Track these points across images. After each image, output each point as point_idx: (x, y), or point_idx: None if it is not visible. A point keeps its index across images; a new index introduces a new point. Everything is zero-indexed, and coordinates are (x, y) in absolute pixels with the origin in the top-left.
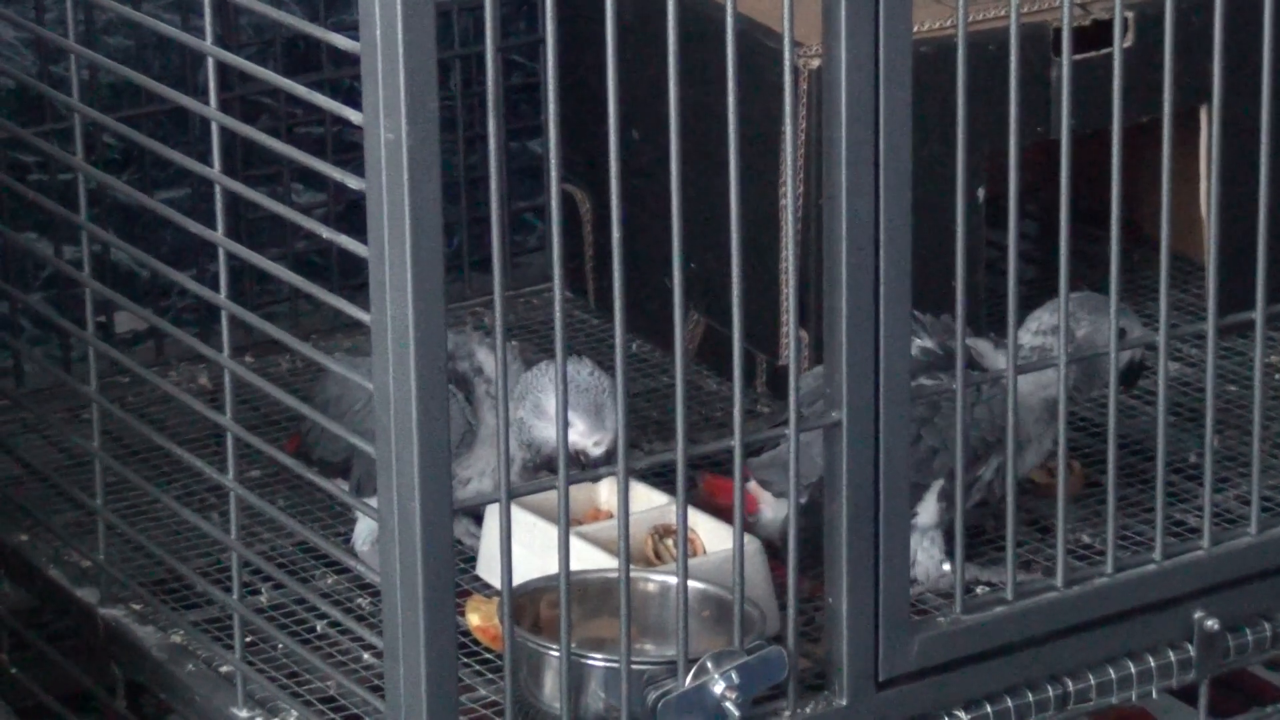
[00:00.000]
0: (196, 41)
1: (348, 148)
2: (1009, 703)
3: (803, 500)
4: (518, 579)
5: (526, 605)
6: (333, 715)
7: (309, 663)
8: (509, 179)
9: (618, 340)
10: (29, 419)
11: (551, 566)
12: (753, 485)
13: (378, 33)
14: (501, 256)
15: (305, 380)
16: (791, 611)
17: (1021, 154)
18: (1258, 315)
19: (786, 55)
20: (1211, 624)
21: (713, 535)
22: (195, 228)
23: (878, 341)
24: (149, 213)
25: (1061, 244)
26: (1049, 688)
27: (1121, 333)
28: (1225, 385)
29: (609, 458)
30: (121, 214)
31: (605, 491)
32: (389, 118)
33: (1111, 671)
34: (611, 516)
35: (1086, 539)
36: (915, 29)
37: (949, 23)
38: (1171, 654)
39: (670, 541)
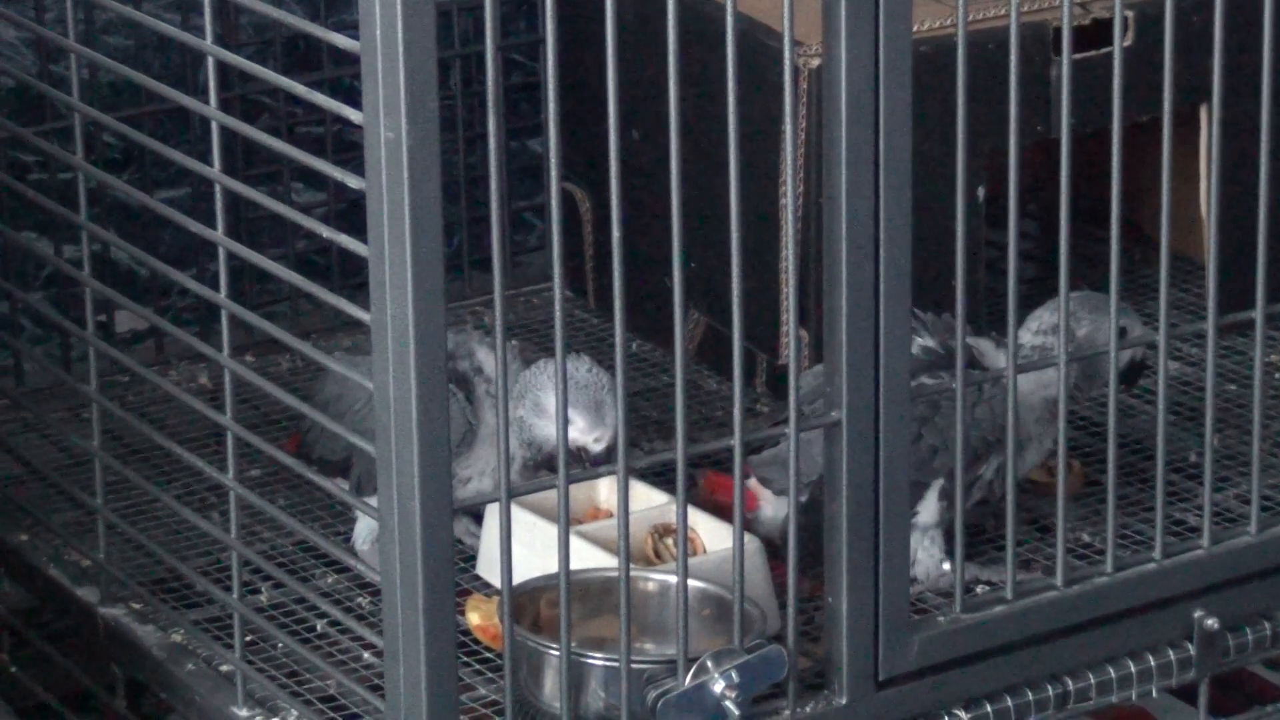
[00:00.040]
0: (197, 41)
1: (348, 147)
2: (1009, 702)
3: (803, 498)
4: (517, 578)
5: (526, 604)
6: (333, 714)
7: (309, 662)
8: (509, 178)
9: (618, 339)
10: (29, 418)
11: (551, 566)
12: (753, 482)
13: (378, 32)
14: (501, 256)
15: (305, 379)
16: (791, 610)
17: (1021, 153)
18: (1258, 314)
19: (787, 54)
20: (1211, 623)
21: (713, 534)
22: (195, 227)
23: (878, 341)
24: (149, 212)
25: (1062, 243)
26: (1049, 687)
27: (1122, 332)
28: (1225, 384)
29: (609, 454)
30: (122, 213)
31: (605, 490)
32: (389, 117)
33: (1111, 671)
34: (611, 515)
35: (1086, 538)
36: (915, 28)
37: (949, 22)
38: (1171, 653)
39: (670, 540)
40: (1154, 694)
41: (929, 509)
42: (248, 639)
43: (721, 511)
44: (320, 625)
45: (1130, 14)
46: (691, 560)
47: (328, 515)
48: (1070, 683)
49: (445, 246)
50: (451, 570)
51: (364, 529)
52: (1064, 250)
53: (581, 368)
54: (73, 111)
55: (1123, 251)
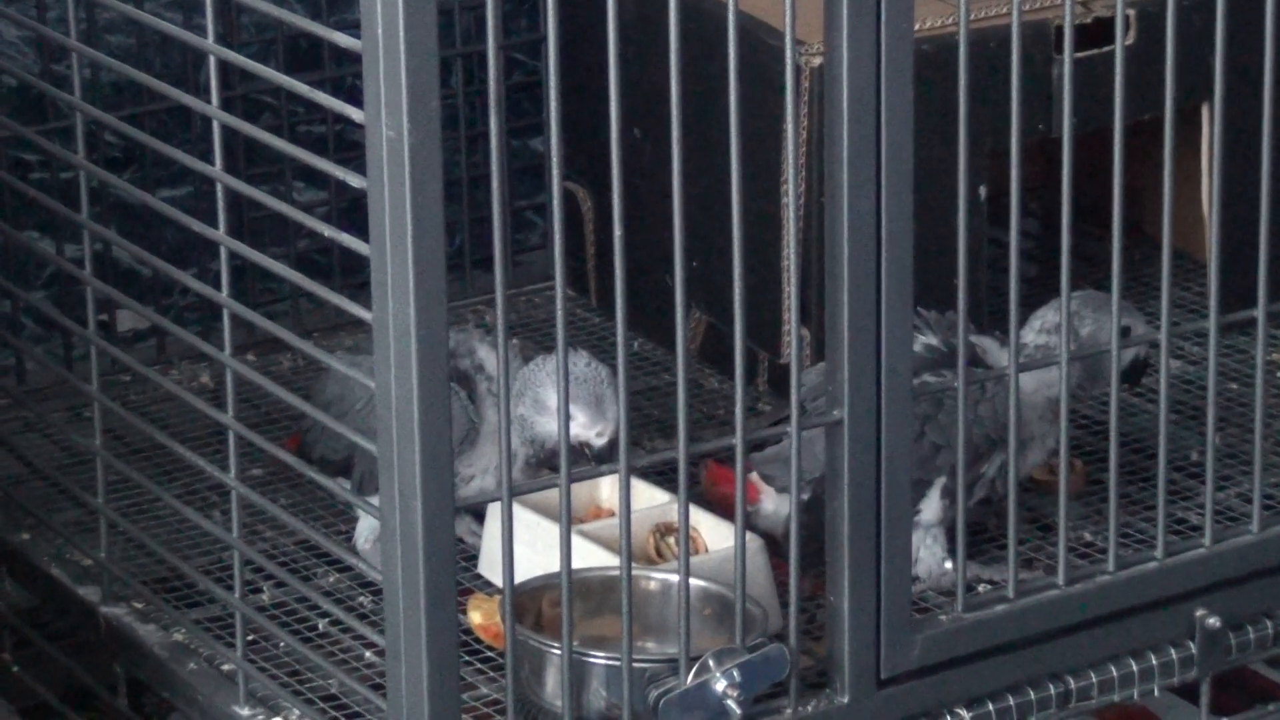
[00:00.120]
0: (198, 40)
1: (349, 146)
2: (1011, 701)
3: (805, 496)
4: (519, 577)
5: (528, 603)
6: (335, 714)
7: (311, 661)
8: (510, 177)
9: (619, 339)
10: (30, 417)
11: (553, 565)
12: (754, 476)
13: (379, 31)
14: (503, 255)
15: (307, 379)
16: (793, 609)
17: (1023, 152)
18: (1259, 313)
19: (788, 53)
20: (1213, 622)
21: (714, 533)
22: (197, 226)
23: (879, 339)
24: (151, 211)
25: (1063, 242)
26: (1051, 685)
27: (1126, 330)
28: (1227, 383)
29: (611, 448)
30: (123, 212)
31: (607, 489)
32: (391, 116)
33: (1113, 669)
34: (613, 515)
35: (1088, 537)
36: (917, 27)
37: (950, 20)
38: (1173, 652)
39: (672, 539)
40: (1156, 693)
41: (931, 507)
42: (249, 638)
43: (723, 502)
44: (322, 624)
45: (1132, 12)
46: (693, 559)
47: (329, 514)
48: (1072, 681)
49: (447, 245)
50: (453, 569)
51: (366, 528)
52: (1065, 249)
53: (580, 362)
54: (74, 110)
55: (1124, 250)
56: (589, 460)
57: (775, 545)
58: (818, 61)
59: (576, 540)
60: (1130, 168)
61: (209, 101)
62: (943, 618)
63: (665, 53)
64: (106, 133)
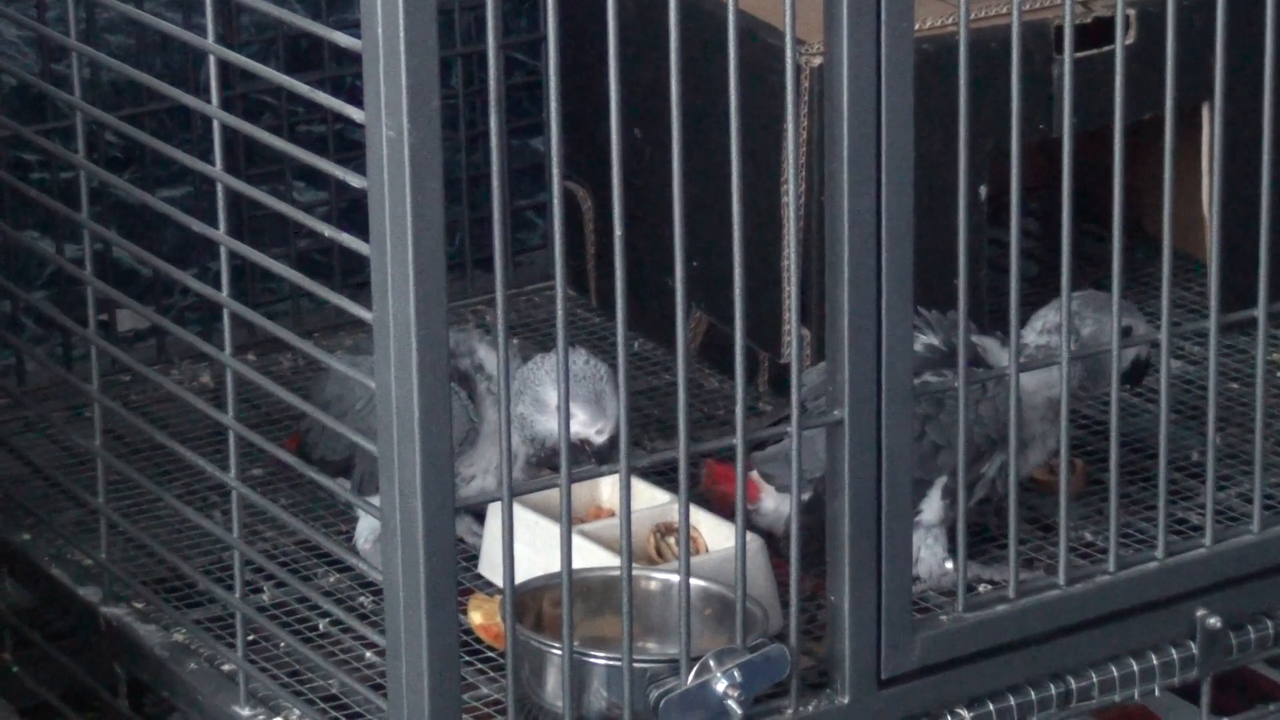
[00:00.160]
0: (198, 40)
1: (350, 146)
2: (1011, 701)
3: (806, 496)
4: (520, 577)
5: (529, 603)
6: (335, 714)
7: (311, 661)
8: (511, 177)
9: (619, 338)
10: (31, 417)
11: (554, 565)
12: (754, 474)
13: (379, 31)
14: (503, 255)
15: (307, 379)
16: (794, 609)
17: (1023, 152)
18: (1260, 312)
19: (788, 53)
20: (1214, 622)
21: (715, 533)
22: (197, 226)
23: (880, 339)
24: (151, 211)
25: (1064, 242)
26: (1051, 686)
27: (1127, 330)
28: (1227, 383)
29: (612, 445)
30: (123, 212)
31: (607, 489)
32: (391, 116)
33: (1114, 669)
34: (613, 515)
35: (1089, 537)
36: (917, 26)
37: (951, 20)
38: (1174, 652)
39: (672, 539)
40: (1156, 693)
41: (932, 507)
42: (250, 638)
43: (723, 500)
44: (322, 624)
45: (1132, 12)
46: (694, 559)
47: (330, 514)
48: (1073, 681)
49: (447, 245)
50: (453, 569)
51: (366, 528)
52: (1066, 249)
53: (578, 360)
54: (74, 110)
55: (1125, 250)
56: (589, 458)
57: (776, 544)
58: (818, 61)
59: (577, 540)
60: (1130, 167)
61: (209, 101)
62: (943, 618)
63: (665, 52)
64: (107, 132)
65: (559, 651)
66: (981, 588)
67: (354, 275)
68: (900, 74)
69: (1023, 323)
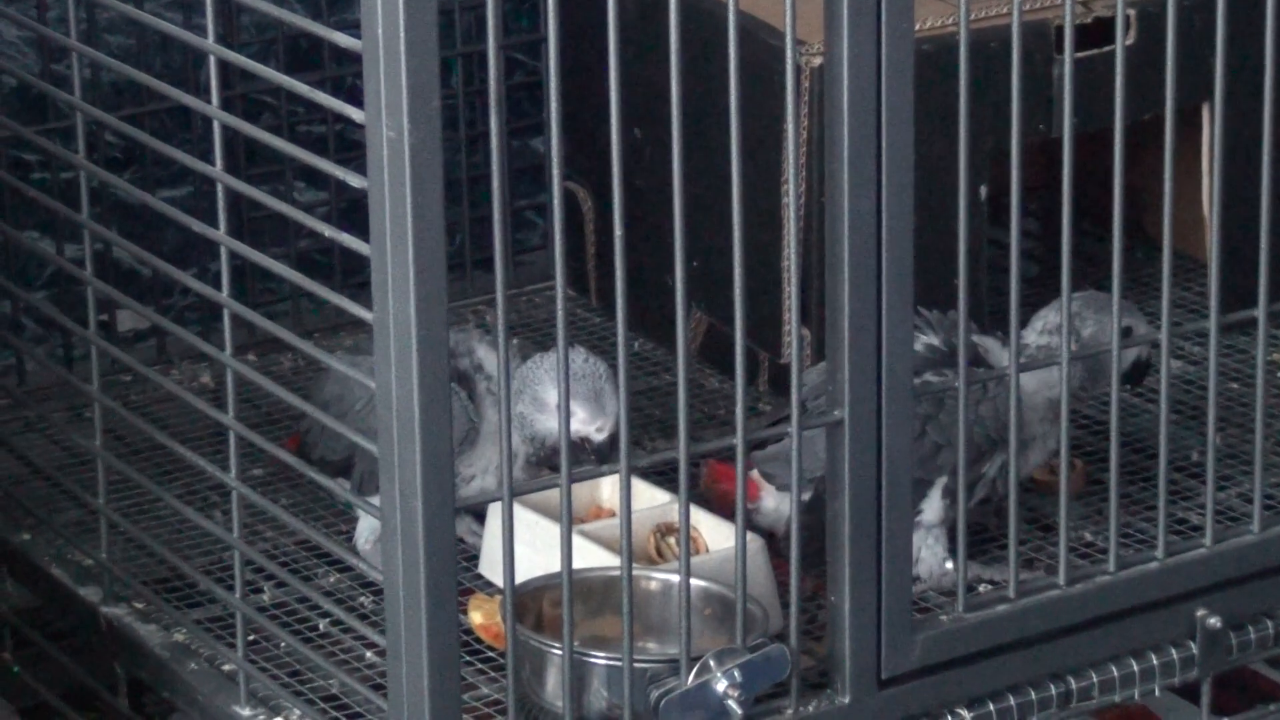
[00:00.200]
0: (198, 40)
1: (350, 146)
2: (1011, 701)
3: (806, 495)
4: (520, 577)
5: (529, 603)
6: (335, 714)
7: (312, 661)
8: (511, 177)
9: (620, 339)
10: (31, 417)
11: (554, 565)
12: (754, 473)
13: (380, 31)
14: (503, 255)
15: (307, 379)
16: (794, 609)
17: (1024, 152)
18: (1260, 312)
19: (789, 53)
20: (1214, 622)
21: (715, 533)
22: (197, 226)
23: (880, 339)
24: (151, 211)
25: (1064, 242)
26: (1051, 686)
27: (1128, 330)
28: (1228, 383)
29: (612, 442)
30: (123, 212)
31: (607, 490)
32: (391, 116)
33: (1114, 669)
34: (614, 515)
35: (1089, 537)
36: (917, 27)
37: (951, 20)
38: (1174, 652)
39: (672, 539)
40: (1157, 693)
41: (932, 507)
42: (250, 638)
43: (723, 499)
44: (323, 624)
45: (1132, 12)
46: (694, 559)
47: (330, 514)
48: (1073, 681)
49: (447, 245)
50: (454, 569)
51: (366, 528)
52: (1066, 249)
53: (577, 358)
54: (75, 110)
55: (1125, 250)
56: (589, 456)
57: (776, 543)
58: (818, 61)
59: (577, 540)
60: (1131, 168)
61: (209, 101)
62: (943, 618)
63: (666, 53)
64: (107, 133)
65: (559, 651)
66: (982, 588)
67: (354, 275)
68: (900, 74)
69: (1023, 323)
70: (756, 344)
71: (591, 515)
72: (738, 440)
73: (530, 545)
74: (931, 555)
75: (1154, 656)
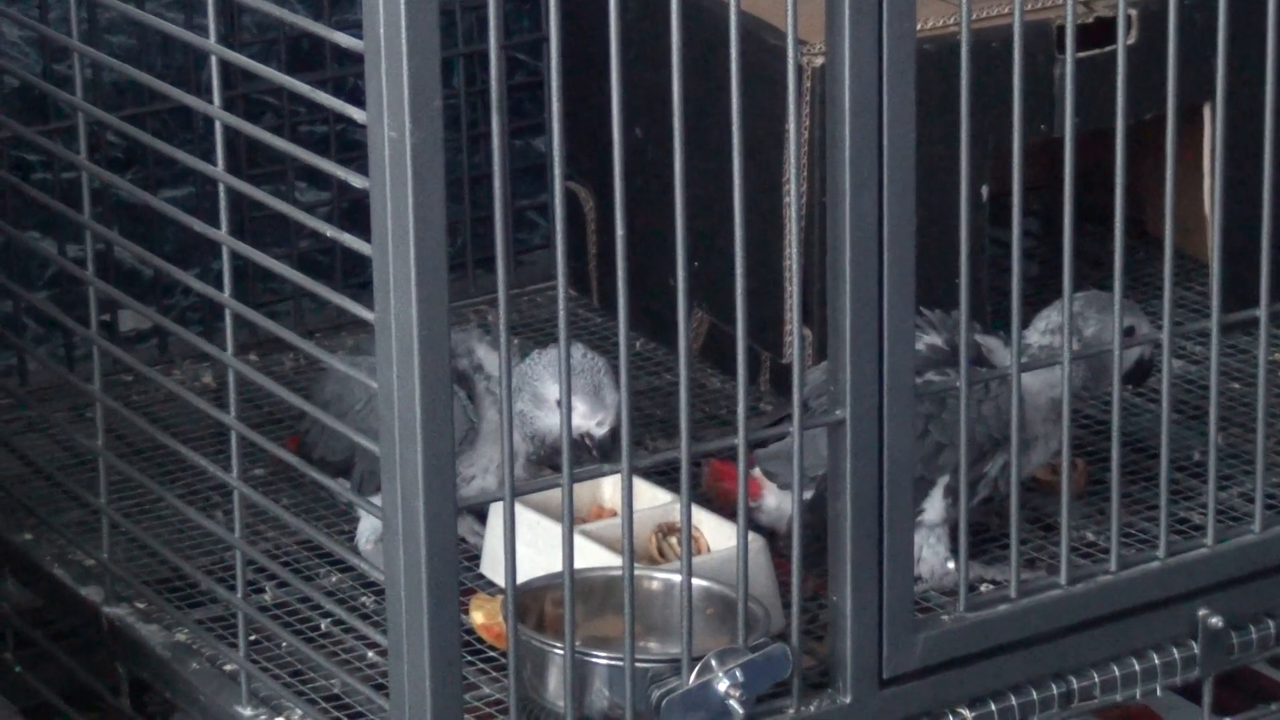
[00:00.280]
0: (200, 40)
1: (351, 146)
2: (1013, 700)
3: (809, 494)
4: (521, 577)
5: (530, 603)
6: (337, 713)
7: (313, 661)
8: (512, 177)
9: (621, 339)
10: (33, 417)
11: (555, 564)
12: (757, 471)
13: (381, 31)
14: (505, 255)
15: (309, 379)
16: (795, 609)
17: (1025, 151)
18: (1261, 312)
19: (790, 53)
20: (1215, 621)
21: (717, 533)
22: (199, 226)
23: (881, 339)
24: (153, 211)
25: (1065, 242)
26: (1053, 685)
27: (1130, 330)
28: (1229, 382)
29: (613, 437)
30: (125, 212)
31: (609, 489)
32: (392, 116)
33: (1115, 669)
34: (615, 514)
35: (1090, 537)
36: (918, 26)
37: (952, 20)
38: (1175, 651)
39: (674, 539)
40: (1158, 692)
41: (934, 506)
42: (252, 638)
43: (724, 498)
44: (324, 624)
45: (1133, 12)
46: (695, 559)
47: (331, 514)
48: (1074, 681)
49: (449, 245)
50: (455, 569)
51: (367, 528)
52: (1068, 249)
53: (576, 353)
54: (76, 111)
55: (1126, 250)
56: (590, 451)
57: (777, 542)
58: (820, 61)
59: (579, 540)
60: (1132, 167)
61: (211, 102)
62: (945, 617)
63: (667, 52)
64: (108, 133)
65: (561, 651)
66: (983, 587)
67: (356, 275)
68: (902, 74)
69: (1025, 323)
70: (758, 344)
71: (593, 515)
72: (739, 440)
73: (532, 545)
74: (933, 555)
75: (1155, 656)
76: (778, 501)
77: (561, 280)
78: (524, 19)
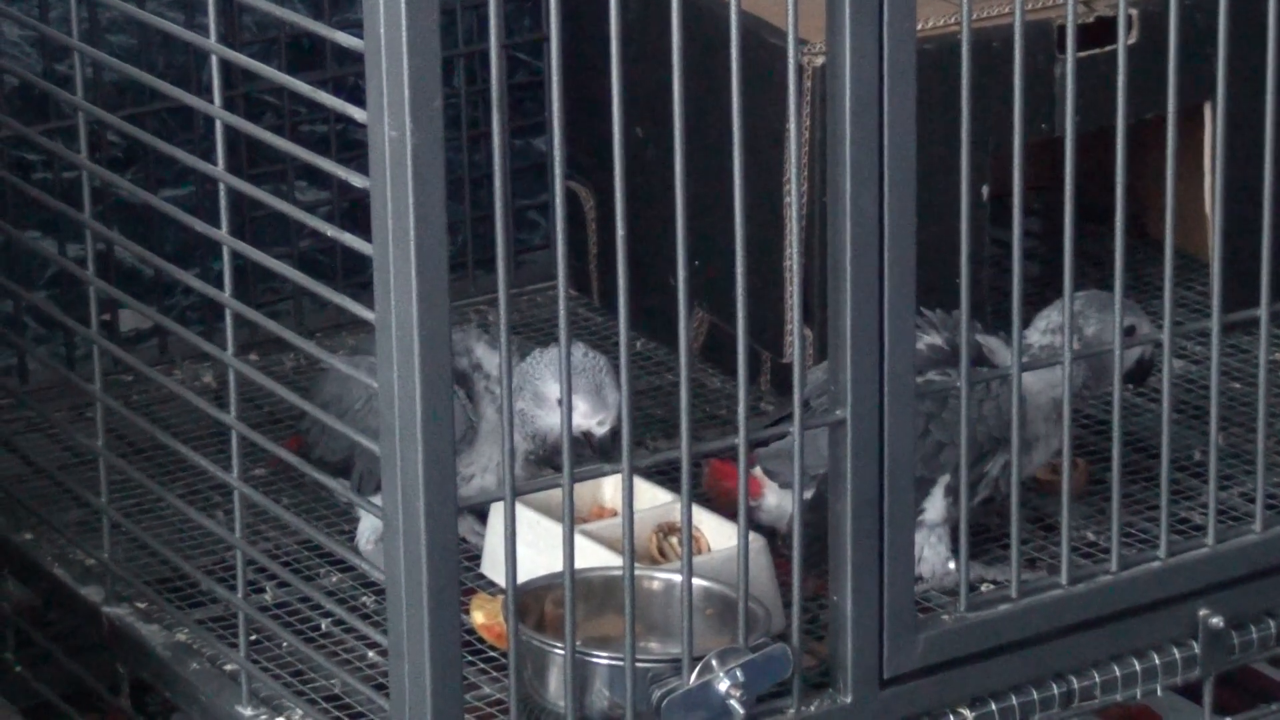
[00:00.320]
0: (200, 39)
1: (352, 146)
2: (1014, 700)
3: (809, 493)
4: (522, 577)
5: (531, 603)
6: (337, 713)
7: (314, 661)
8: (513, 177)
9: (622, 338)
10: (33, 417)
11: (556, 564)
12: (757, 470)
13: (382, 30)
14: (506, 254)
15: (309, 378)
16: (796, 609)
17: (1026, 151)
18: (1262, 312)
19: (791, 53)
20: (1216, 621)
21: (717, 533)
22: (199, 226)
23: (882, 338)
24: (153, 211)
25: (1066, 241)
26: (1054, 685)
27: (1131, 329)
28: (1230, 382)
29: (614, 436)
30: (125, 212)
31: (609, 489)
32: (393, 115)
33: (1116, 669)
34: (615, 514)
35: (1091, 536)
36: (919, 26)
37: (953, 20)
38: (1176, 651)
39: (675, 539)
40: (1159, 692)
41: (935, 506)
42: (252, 638)
43: (725, 497)
44: (325, 624)
45: (1134, 12)
46: (696, 559)
47: (332, 514)
48: (1075, 681)
49: (449, 245)
50: (456, 569)
51: (368, 528)
52: (1069, 248)
53: (577, 352)
54: (77, 110)
55: (1127, 249)
56: (591, 450)
57: (778, 541)
58: (820, 61)
59: (579, 540)
60: (1133, 167)
61: (211, 101)
62: (946, 617)
63: (668, 52)
64: (109, 132)
65: (561, 651)
66: (984, 587)
67: (356, 275)
68: (902, 74)
69: (1026, 322)
70: (759, 343)
71: (593, 515)
72: (740, 439)
73: (532, 545)
74: (935, 555)
75: (1156, 656)
76: (778, 501)
77: (562, 280)
78: (524, 18)
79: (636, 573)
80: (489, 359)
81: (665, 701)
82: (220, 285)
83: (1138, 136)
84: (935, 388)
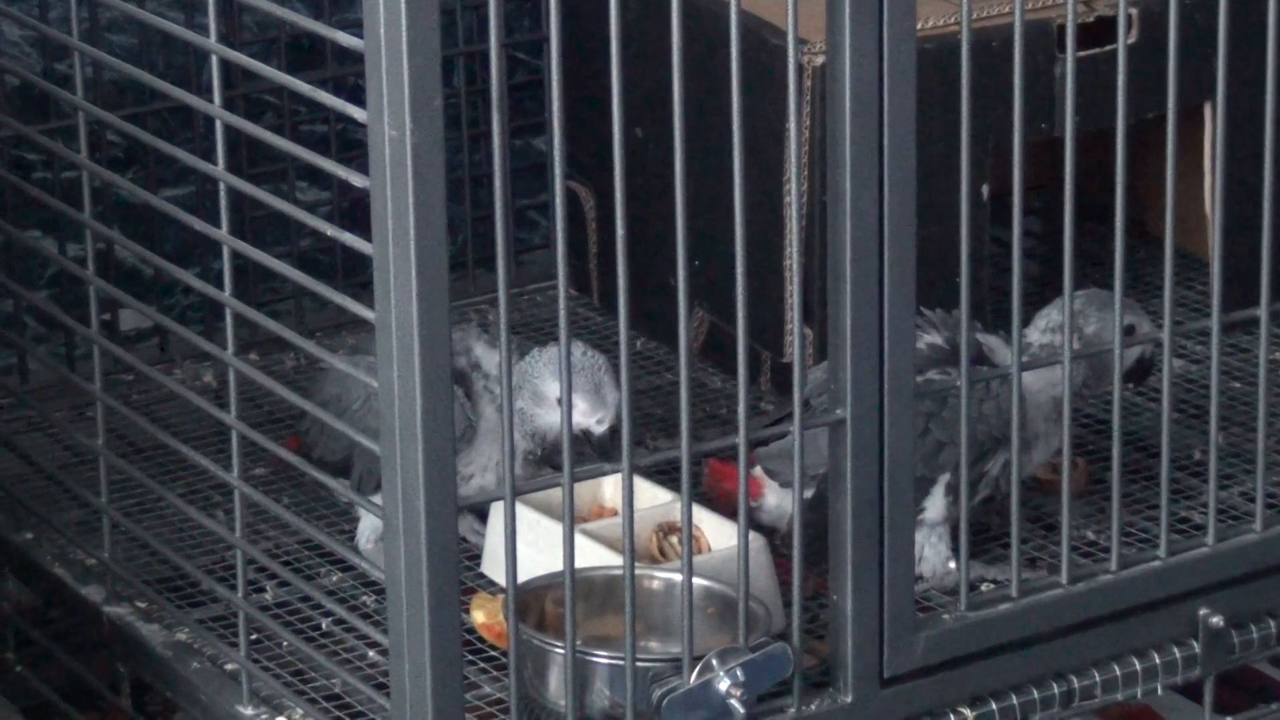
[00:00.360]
0: (200, 39)
1: (352, 145)
2: (1014, 700)
3: (810, 492)
4: (522, 576)
5: (531, 602)
6: (338, 713)
7: (314, 660)
8: (513, 176)
9: (622, 338)
10: (33, 417)
11: (556, 564)
12: (758, 470)
13: (382, 30)
14: (506, 254)
15: (309, 378)
16: (796, 608)
17: (1026, 151)
18: (1262, 312)
19: (791, 52)
20: (1216, 621)
21: (717, 532)
22: (199, 225)
23: (882, 338)
24: (153, 210)
25: (1066, 241)
26: (1054, 685)
27: (1131, 329)
28: (1230, 382)
29: (613, 435)
30: (126, 211)
31: (609, 489)
32: (393, 115)
33: (1116, 668)
34: (616, 514)
35: (1091, 536)
36: (919, 26)
37: (953, 19)
38: (1176, 651)
39: (675, 539)
40: (1159, 692)
41: (935, 505)
42: (253, 637)
43: (725, 497)
44: (325, 624)
45: (1134, 11)
46: (696, 558)
47: (332, 514)
48: (1075, 681)
49: (449, 244)
50: (456, 568)
51: (368, 527)
52: (1069, 248)
53: (576, 351)
54: (77, 110)
55: (1127, 249)
56: (590, 449)
57: (778, 540)
58: (820, 60)
59: (579, 539)
60: (1133, 166)
61: (211, 101)
62: (946, 616)
63: (668, 52)
64: (109, 132)
65: (562, 651)
66: (984, 586)
67: (356, 275)
68: (902, 73)
69: (1026, 321)
70: (759, 343)
71: (593, 514)
72: (740, 439)
73: (532, 544)
74: (935, 554)
75: (1156, 655)
76: (778, 500)
77: (562, 279)
78: (524, 18)
79: (637, 572)
80: (488, 358)
81: (666, 701)
82: (220, 285)
83: (1138, 136)
84: (935, 387)
